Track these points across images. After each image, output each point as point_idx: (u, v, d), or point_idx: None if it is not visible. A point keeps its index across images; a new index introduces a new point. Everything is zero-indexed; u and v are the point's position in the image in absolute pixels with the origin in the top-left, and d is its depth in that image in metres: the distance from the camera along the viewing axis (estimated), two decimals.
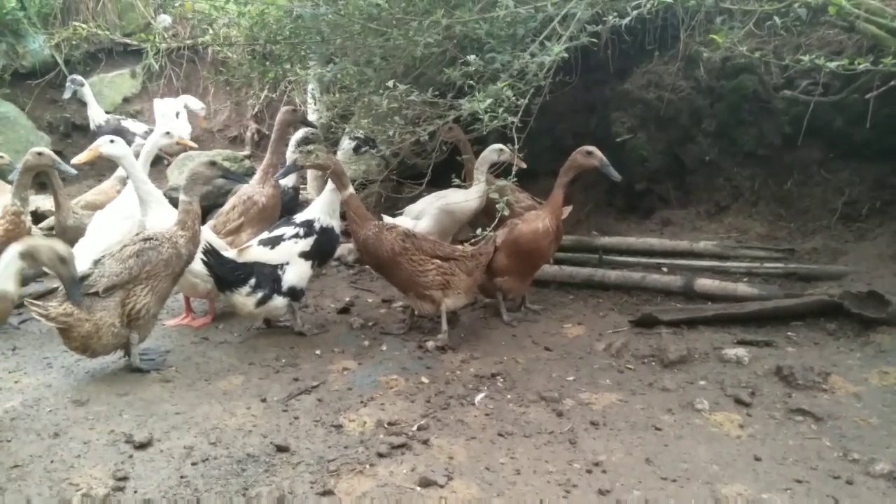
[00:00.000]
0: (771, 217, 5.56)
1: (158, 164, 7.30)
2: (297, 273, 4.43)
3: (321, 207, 4.59)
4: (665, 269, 5.23)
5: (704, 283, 4.81)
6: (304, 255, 4.47)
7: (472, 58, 3.80)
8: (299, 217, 4.60)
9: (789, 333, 4.25)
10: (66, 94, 7.56)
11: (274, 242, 4.45)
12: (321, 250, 4.50)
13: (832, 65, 3.49)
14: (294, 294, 4.46)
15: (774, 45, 5.25)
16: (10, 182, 5.69)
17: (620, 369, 3.96)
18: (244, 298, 4.33)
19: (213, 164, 4.07)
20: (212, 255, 4.22)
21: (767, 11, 3.94)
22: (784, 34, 4.84)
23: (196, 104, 8.03)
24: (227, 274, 4.27)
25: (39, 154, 4.74)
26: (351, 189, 4.24)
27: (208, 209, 5.82)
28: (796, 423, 3.31)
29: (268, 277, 4.37)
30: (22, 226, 4.53)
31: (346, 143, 4.66)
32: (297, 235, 4.47)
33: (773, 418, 3.36)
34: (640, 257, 5.44)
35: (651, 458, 3.04)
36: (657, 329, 4.41)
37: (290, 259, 4.44)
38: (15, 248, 3.32)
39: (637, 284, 5.06)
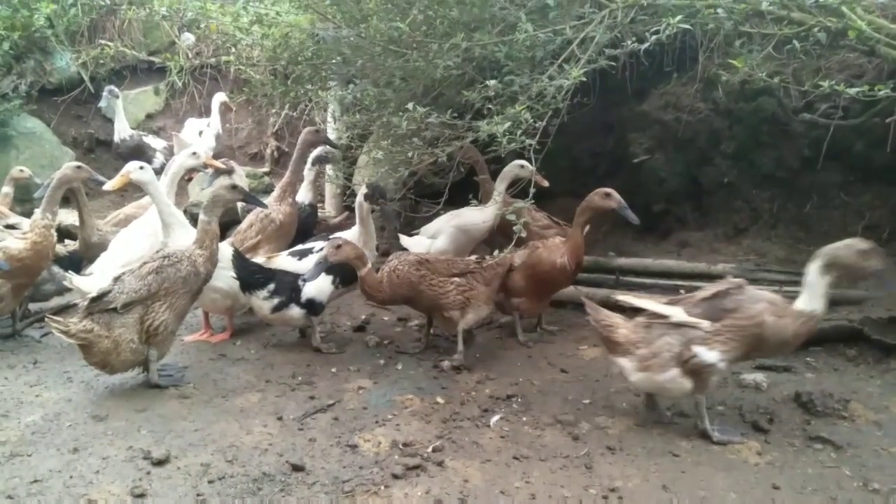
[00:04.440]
0: (790, 240, 5.52)
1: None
2: (317, 286, 4.48)
3: (355, 234, 4.66)
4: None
5: None
6: (326, 270, 4.52)
7: (491, 82, 3.83)
8: (335, 235, 4.68)
9: (808, 359, 4.22)
10: (103, 104, 7.77)
11: (302, 254, 4.59)
12: (343, 269, 4.54)
13: (852, 91, 3.48)
14: (312, 307, 4.50)
15: (794, 69, 5.23)
16: (34, 198, 5.78)
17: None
18: (261, 302, 4.49)
19: (234, 187, 4.15)
20: (237, 257, 4.44)
21: (787, 35, 3.93)
22: (804, 57, 4.82)
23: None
24: (247, 276, 4.47)
25: (79, 167, 4.80)
26: (368, 266, 4.29)
27: (228, 225, 5.89)
28: (815, 451, 3.27)
29: (287, 286, 4.46)
30: (50, 239, 4.60)
31: (361, 191, 4.72)
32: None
33: (792, 446, 3.32)
34: (658, 279, 5.41)
35: (668, 485, 3.01)
36: None
37: None
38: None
39: None
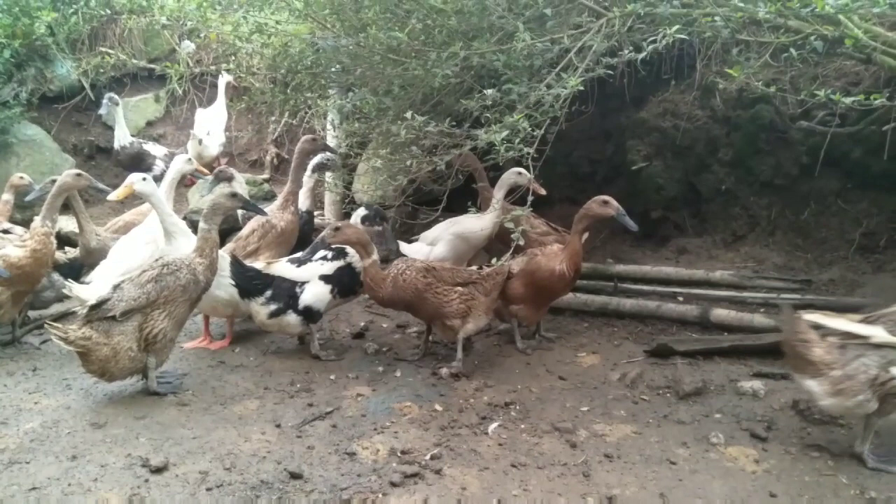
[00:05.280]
0: (788, 247, 5.54)
1: (178, 185, 7.39)
2: (314, 294, 4.50)
3: None
4: (681, 299, 5.22)
5: (720, 314, 4.79)
6: (325, 278, 4.55)
7: (489, 90, 3.85)
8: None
9: None
10: (103, 111, 7.80)
11: (301, 262, 4.60)
12: (342, 279, 4.57)
13: (848, 100, 3.49)
14: (310, 314, 4.52)
15: (791, 76, 5.27)
16: (26, 203, 5.81)
17: (635, 400, 3.95)
18: (258, 308, 4.50)
19: (234, 195, 4.17)
20: (234, 263, 4.47)
21: (784, 43, 3.96)
22: (800, 65, 4.86)
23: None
24: (244, 282, 4.48)
25: (78, 175, 4.84)
26: (374, 257, 4.29)
27: (227, 232, 5.90)
28: (812, 458, 3.28)
29: (284, 292, 4.48)
30: (50, 246, 4.62)
31: (358, 213, 4.75)
32: (324, 258, 4.58)
33: (789, 453, 3.33)
34: (656, 286, 5.43)
35: (665, 493, 3.01)
36: (672, 359, 4.40)
37: (311, 279, 4.52)
38: None
39: (652, 313, 5.05)
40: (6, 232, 5.03)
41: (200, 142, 7.90)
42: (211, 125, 8.04)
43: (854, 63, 5.19)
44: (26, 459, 3.27)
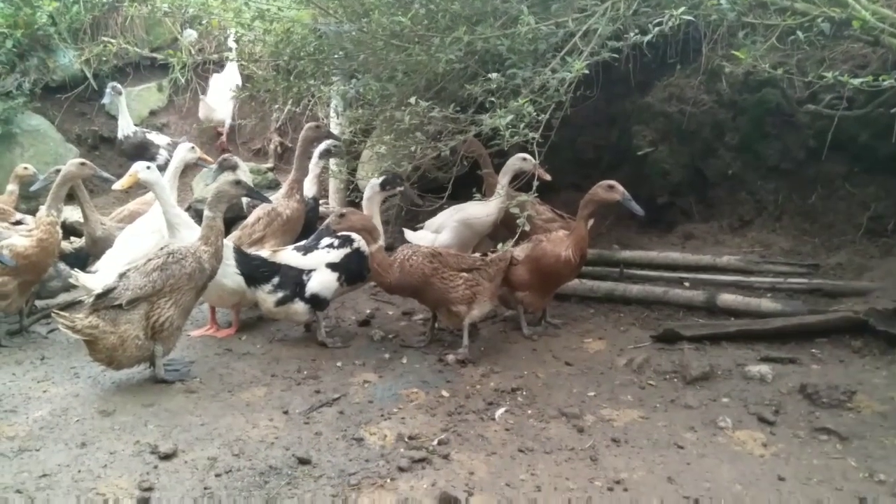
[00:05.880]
0: (795, 231, 5.51)
1: (183, 175, 7.39)
2: (321, 281, 4.50)
3: None
4: (687, 284, 5.20)
5: (727, 299, 4.78)
6: (331, 266, 4.55)
7: (493, 75, 3.83)
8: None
9: (814, 350, 4.21)
10: (106, 100, 7.79)
11: (308, 249, 4.60)
12: (349, 267, 4.57)
13: (856, 81, 3.46)
14: (317, 302, 4.52)
15: (798, 59, 5.21)
16: (31, 193, 5.84)
17: (642, 385, 3.94)
18: (265, 296, 4.51)
19: (238, 182, 4.17)
20: (238, 252, 4.48)
21: (790, 26, 3.92)
22: (807, 48, 4.80)
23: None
24: (251, 270, 4.49)
25: (83, 164, 4.84)
26: (380, 243, 4.26)
27: (232, 221, 5.90)
28: (821, 442, 3.28)
29: (291, 280, 4.49)
30: (55, 235, 4.63)
31: (372, 181, 4.76)
32: (331, 245, 4.57)
33: (798, 437, 3.33)
34: (662, 271, 5.40)
35: (673, 477, 3.02)
36: (679, 345, 4.38)
37: (318, 267, 4.52)
38: None
39: (659, 299, 5.04)
40: (19, 223, 5.05)
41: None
42: (222, 91, 8.08)
43: (861, 45, 5.13)
44: (36, 447, 3.29)
